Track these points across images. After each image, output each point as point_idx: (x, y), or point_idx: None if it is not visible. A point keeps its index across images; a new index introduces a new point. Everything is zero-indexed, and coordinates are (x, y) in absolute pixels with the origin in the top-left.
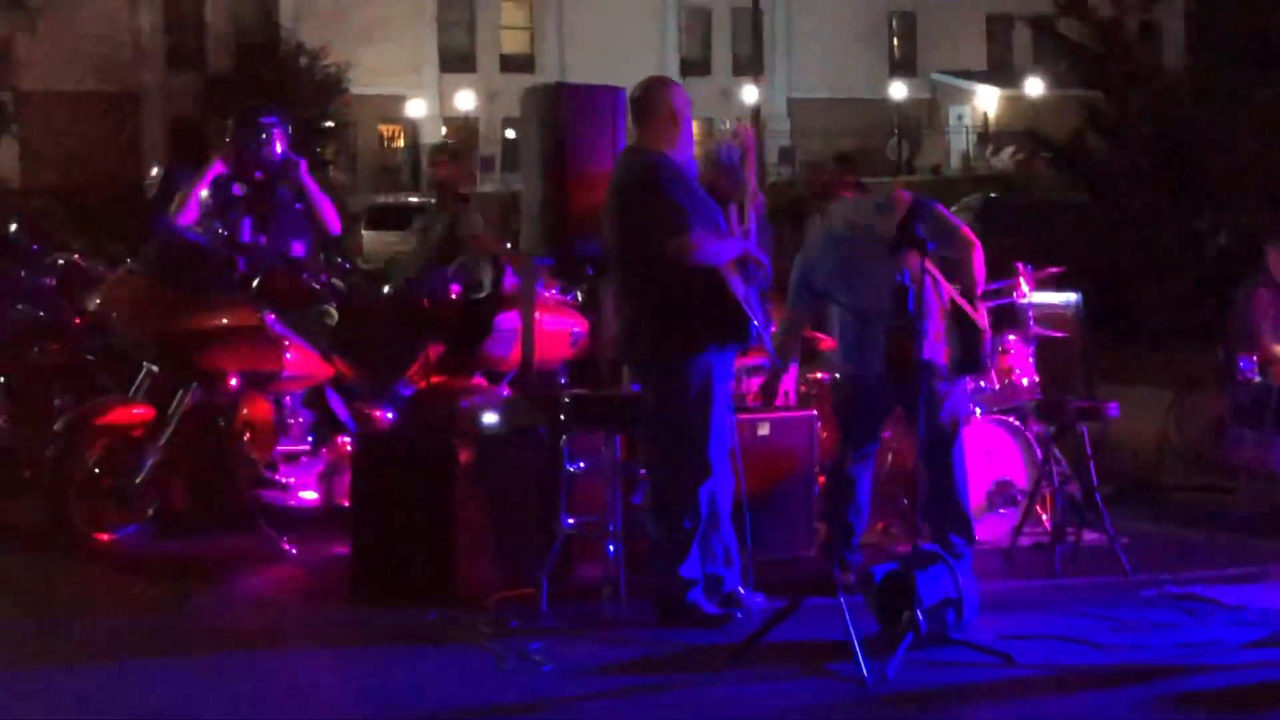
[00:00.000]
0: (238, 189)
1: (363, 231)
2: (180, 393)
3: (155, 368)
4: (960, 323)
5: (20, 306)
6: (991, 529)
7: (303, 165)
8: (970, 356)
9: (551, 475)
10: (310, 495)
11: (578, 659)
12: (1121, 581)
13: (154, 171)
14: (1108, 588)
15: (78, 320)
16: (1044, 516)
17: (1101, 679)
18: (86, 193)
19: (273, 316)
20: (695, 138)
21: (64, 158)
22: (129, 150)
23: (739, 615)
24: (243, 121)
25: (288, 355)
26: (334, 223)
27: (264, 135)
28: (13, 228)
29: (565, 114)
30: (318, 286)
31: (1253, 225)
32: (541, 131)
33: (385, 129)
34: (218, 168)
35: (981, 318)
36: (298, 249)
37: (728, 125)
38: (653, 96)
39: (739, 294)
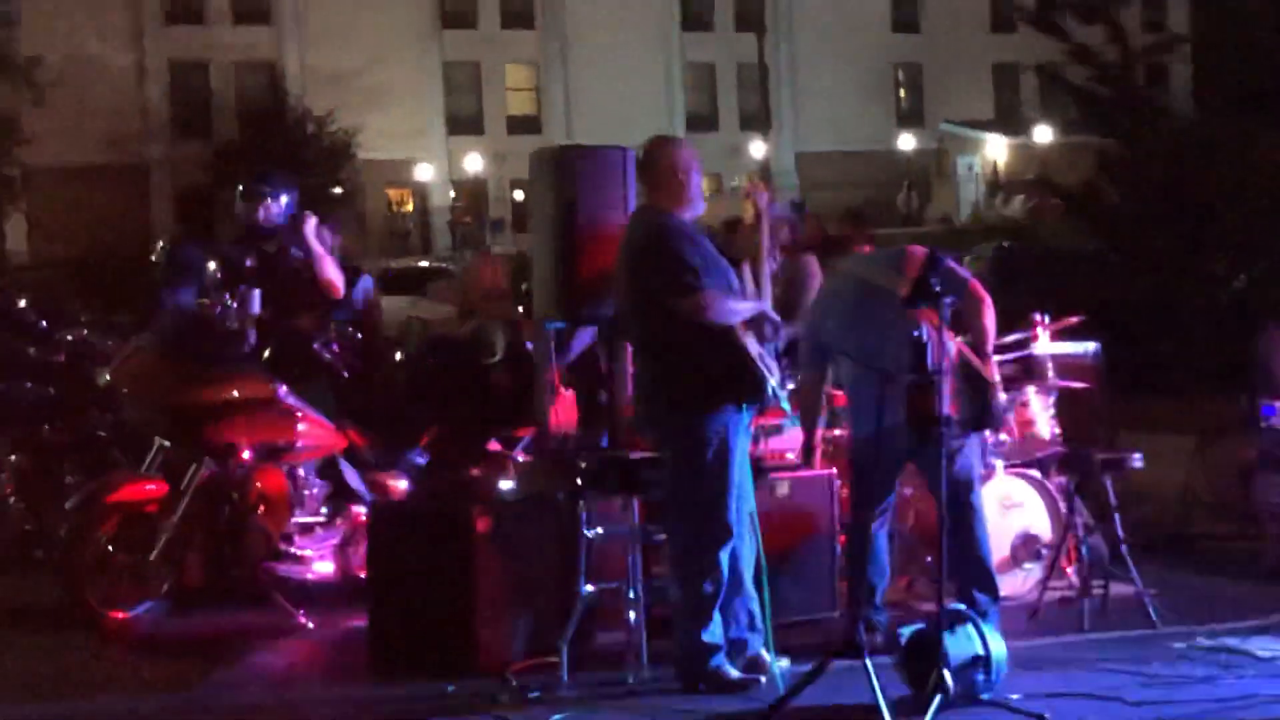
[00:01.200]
0: (249, 261)
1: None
2: (193, 467)
3: (167, 442)
4: (969, 378)
5: (30, 385)
6: (1017, 584)
7: (310, 222)
8: (980, 411)
9: (570, 541)
10: (326, 567)
11: None
12: (1151, 634)
13: (159, 245)
14: (1137, 641)
15: (88, 397)
16: (1069, 570)
17: None
18: (95, 265)
19: (284, 388)
20: (704, 194)
21: (72, 230)
22: (138, 222)
23: (763, 680)
24: (248, 194)
25: (300, 426)
26: (337, 284)
27: (269, 203)
28: (22, 304)
29: (574, 176)
30: (329, 357)
31: (1270, 268)
32: (551, 194)
33: (393, 193)
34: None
35: (991, 371)
36: (308, 321)
37: (737, 182)
38: (657, 156)
39: (753, 352)
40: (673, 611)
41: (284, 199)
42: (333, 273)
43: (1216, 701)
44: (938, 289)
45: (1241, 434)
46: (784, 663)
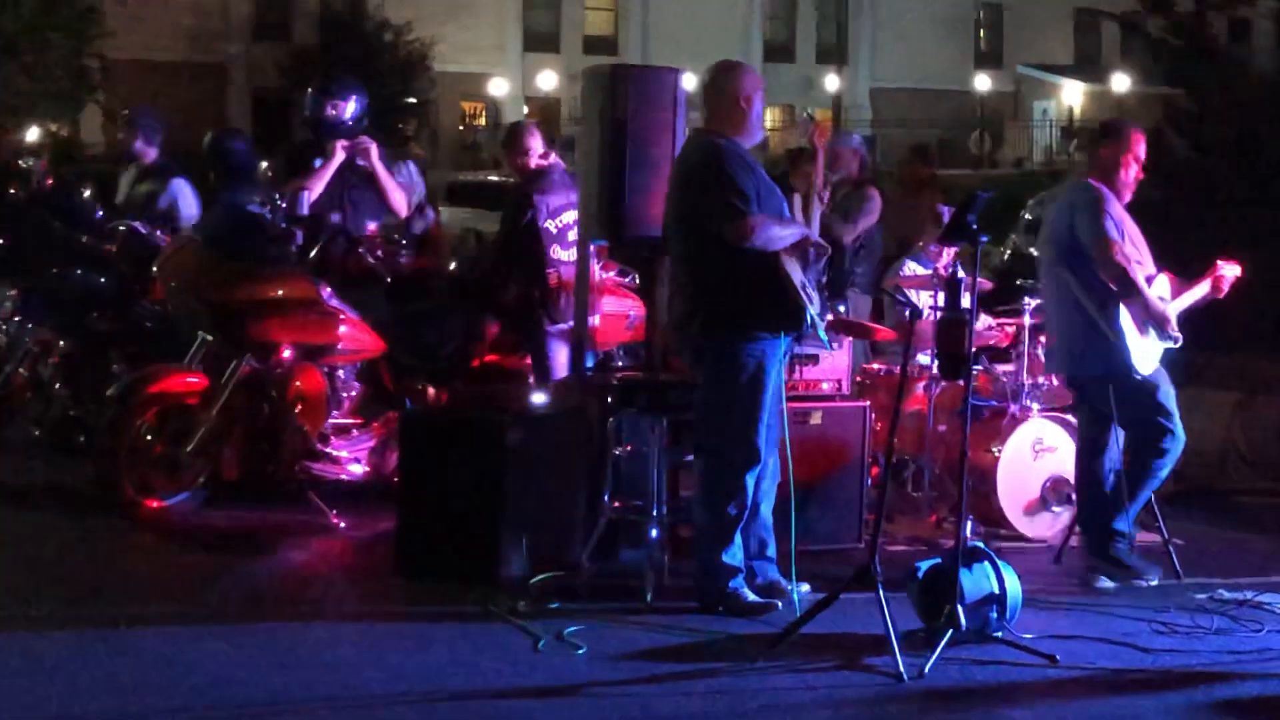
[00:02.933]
0: (317, 161)
1: (440, 207)
2: (234, 363)
3: (210, 337)
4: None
5: (80, 272)
6: (1045, 527)
7: (374, 149)
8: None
9: (599, 459)
10: (360, 469)
11: (614, 644)
12: (1173, 584)
13: (206, 137)
14: (1158, 590)
15: (137, 288)
16: None
17: (1142, 683)
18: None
19: (329, 290)
20: (775, 124)
21: None
22: (213, 119)
23: (779, 605)
24: (318, 93)
25: (341, 329)
26: (401, 207)
27: (339, 103)
28: (86, 193)
29: (625, 96)
30: (372, 261)
31: None
32: (600, 114)
33: (467, 106)
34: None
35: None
36: (370, 228)
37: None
38: (721, 81)
39: (796, 280)
40: (695, 532)
41: (353, 102)
42: (396, 195)
43: (1229, 654)
44: (974, 227)
45: None
46: (804, 588)
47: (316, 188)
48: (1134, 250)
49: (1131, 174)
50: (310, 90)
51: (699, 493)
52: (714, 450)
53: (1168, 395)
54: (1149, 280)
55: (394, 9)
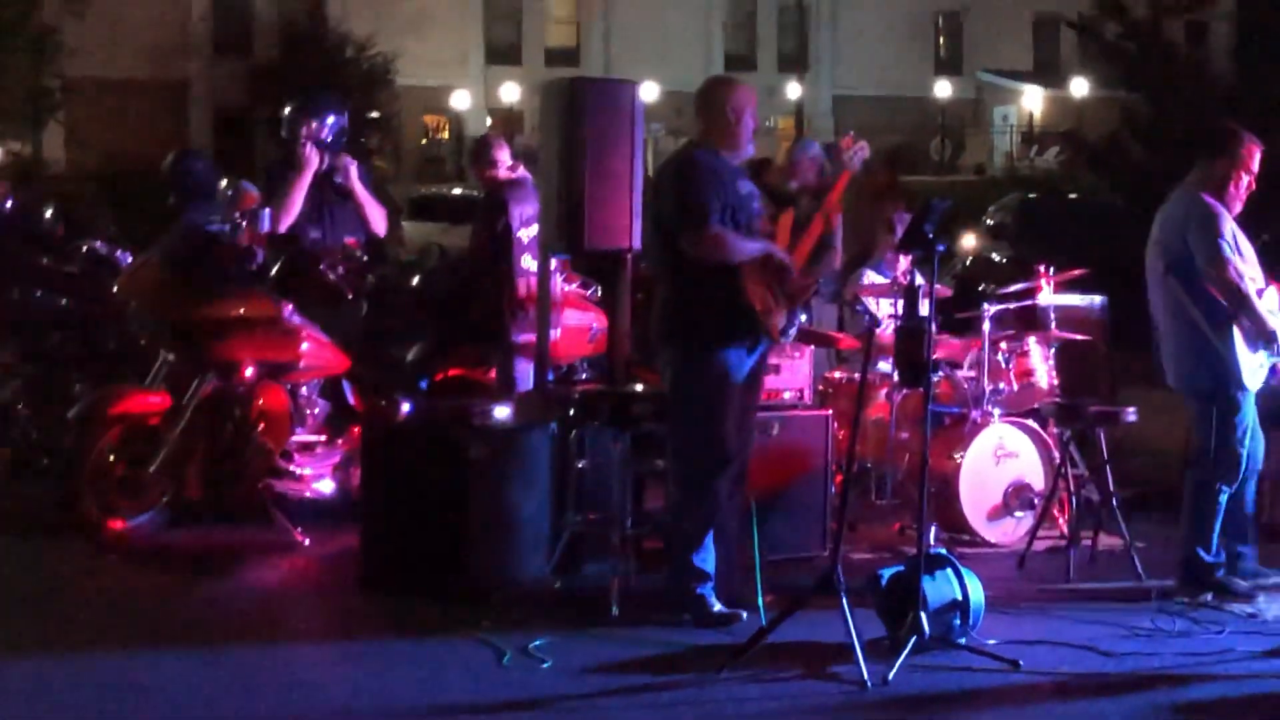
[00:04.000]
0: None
1: (403, 222)
2: (196, 381)
3: (172, 356)
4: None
5: (41, 294)
6: (1007, 532)
7: (353, 168)
8: None
9: (562, 471)
10: (325, 486)
11: (580, 656)
12: (1135, 587)
13: (167, 158)
14: (1120, 594)
15: (99, 308)
16: (1061, 520)
17: (1105, 686)
18: (129, 178)
19: (290, 307)
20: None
21: (109, 143)
22: (175, 137)
23: (744, 615)
24: (301, 109)
25: (304, 346)
26: (380, 225)
27: (315, 123)
28: (48, 214)
29: (582, 110)
30: (333, 278)
31: None
32: (559, 127)
33: (430, 120)
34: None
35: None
36: (351, 245)
37: (771, 123)
38: (710, 95)
39: (756, 295)
40: (665, 536)
41: (332, 119)
42: (374, 213)
43: (1190, 655)
44: (931, 235)
45: None
46: (768, 599)
47: (294, 206)
48: (1245, 264)
49: (1243, 186)
50: (288, 109)
51: (670, 498)
52: (682, 455)
53: (1252, 418)
54: (1259, 294)
55: (355, 24)
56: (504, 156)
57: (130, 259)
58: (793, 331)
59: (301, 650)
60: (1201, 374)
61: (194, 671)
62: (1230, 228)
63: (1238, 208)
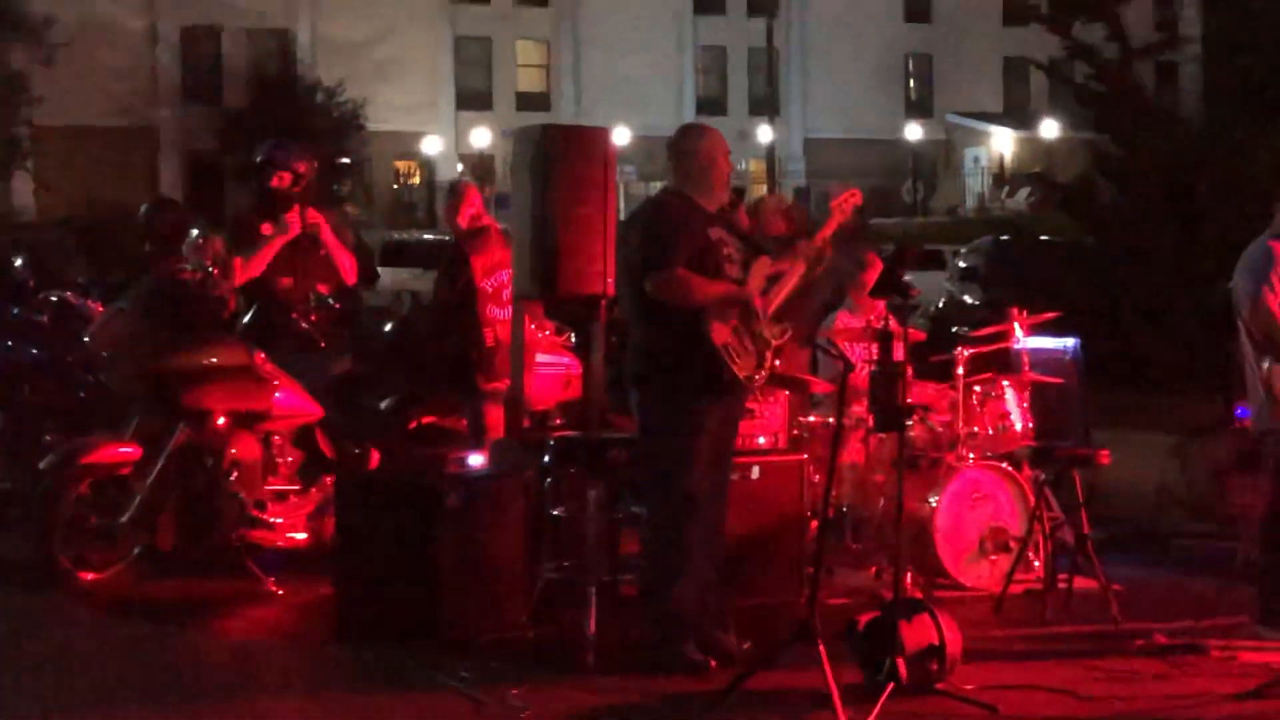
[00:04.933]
0: (266, 229)
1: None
2: (168, 431)
3: (144, 406)
4: None
5: (11, 344)
6: (983, 576)
7: (324, 223)
8: None
9: (537, 518)
10: (298, 535)
11: (557, 704)
12: (1111, 630)
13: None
14: (1096, 637)
15: (70, 358)
16: (1036, 563)
17: None
18: (100, 226)
19: (261, 355)
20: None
21: (79, 191)
22: (145, 184)
23: (720, 662)
24: (270, 161)
25: (277, 395)
26: (351, 275)
27: (284, 173)
28: (18, 262)
29: (555, 156)
30: (306, 326)
31: None
32: (531, 172)
33: (401, 165)
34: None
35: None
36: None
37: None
38: (683, 143)
39: (719, 340)
40: (642, 583)
41: (302, 169)
42: (345, 262)
43: (1167, 699)
44: (905, 280)
45: (1218, 435)
46: (745, 645)
47: (265, 260)
48: None
49: None
50: (259, 159)
51: (643, 544)
52: (654, 501)
53: None
54: None
55: (325, 70)
56: (473, 204)
57: (100, 308)
58: (762, 375)
59: (276, 702)
60: (1261, 417)
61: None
62: None
63: None
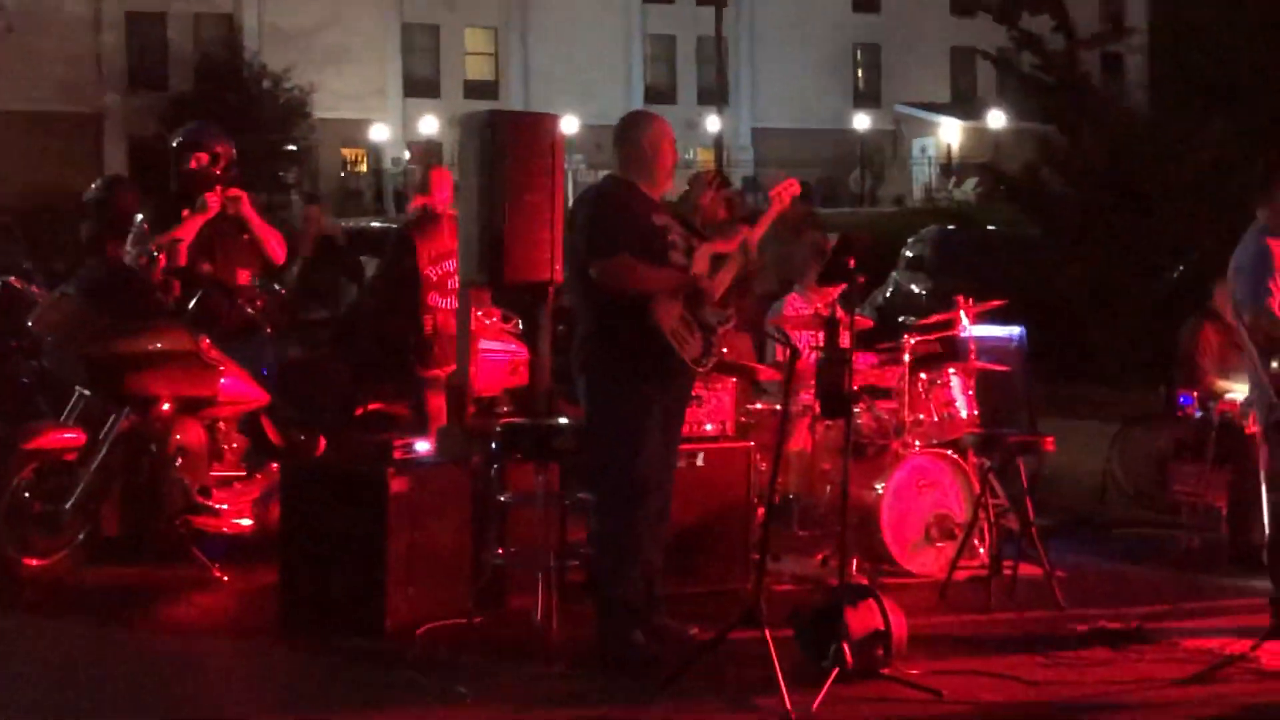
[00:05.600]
0: (185, 212)
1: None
2: (112, 417)
3: (88, 391)
4: None
5: None
6: (929, 563)
7: (244, 199)
8: None
9: (484, 505)
10: (244, 521)
11: (504, 691)
12: (1056, 616)
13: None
14: (1041, 622)
15: (13, 344)
16: (981, 550)
17: (1028, 715)
18: (44, 212)
19: (207, 341)
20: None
21: (23, 177)
22: (90, 170)
23: (666, 648)
24: (188, 144)
25: (223, 380)
26: (279, 253)
27: (204, 155)
28: None
29: (501, 142)
30: (251, 311)
31: (1202, 261)
32: (478, 158)
33: (348, 153)
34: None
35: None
36: (243, 277)
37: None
38: (628, 130)
39: (666, 326)
40: (590, 571)
41: (220, 152)
42: (272, 243)
43: (1111, 684)
44: (852, 268)
45: (1159, 423)
46: (692, 632)
47: (184, 236)
48: None
49: None
50: (175, 144)
51: (592, 532)
52: (601, 487)
53: None
54: None
55: (272, 56)
56: (444, 189)
57: (45, 293)
58: (710, 361)
59: (218, 692)
60: (1260, 408)
61: (112, 714)
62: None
63: None
